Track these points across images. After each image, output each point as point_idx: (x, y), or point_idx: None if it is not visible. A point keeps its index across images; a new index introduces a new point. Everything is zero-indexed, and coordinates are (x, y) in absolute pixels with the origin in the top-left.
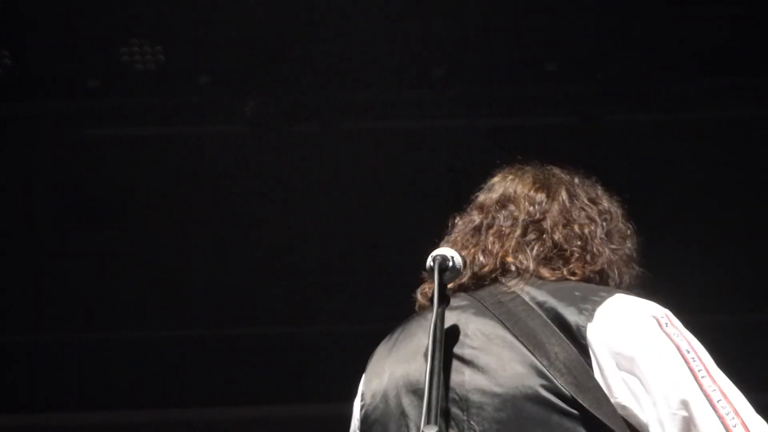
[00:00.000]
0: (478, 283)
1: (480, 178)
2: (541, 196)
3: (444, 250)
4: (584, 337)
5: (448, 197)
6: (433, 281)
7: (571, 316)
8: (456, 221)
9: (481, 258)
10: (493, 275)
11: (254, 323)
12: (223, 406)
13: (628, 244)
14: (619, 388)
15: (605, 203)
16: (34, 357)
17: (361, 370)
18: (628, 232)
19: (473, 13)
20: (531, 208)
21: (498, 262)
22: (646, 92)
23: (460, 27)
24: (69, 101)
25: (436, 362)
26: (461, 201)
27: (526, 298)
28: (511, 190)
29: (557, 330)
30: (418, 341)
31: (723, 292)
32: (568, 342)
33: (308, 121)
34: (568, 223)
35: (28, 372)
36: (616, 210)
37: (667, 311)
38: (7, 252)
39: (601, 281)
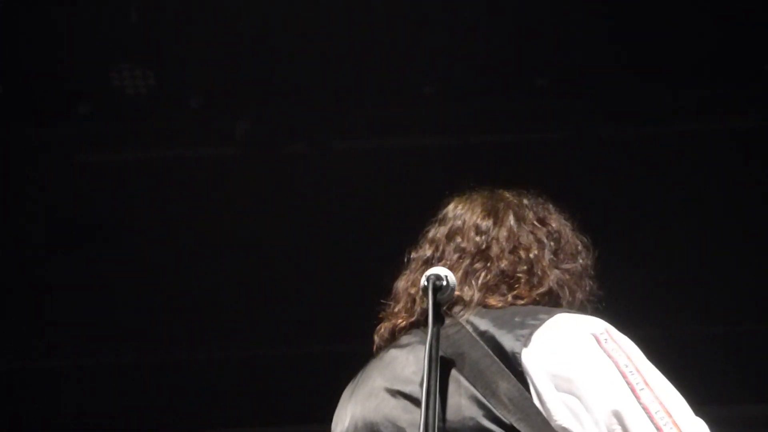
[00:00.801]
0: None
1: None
2: (487, 224)
3: (438, 270)
4: (520, 364)
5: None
6: (426, 302)
7: (507, 342)
8: (411, 256)
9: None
10: (443, 308)
11: (251, 346)
12: (225, 428)
13: (580, 260)
14: (559, 411)
15: (554, 223)
16: (19, 383)
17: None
18: (579, 248)
19: (462, 29)
20: (478, 238)
21: None
22: (638, 105)
23: (450, 44)
24: (60, 127)
25: (432, 382)
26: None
27: (470, 329)
28: (459, 222)
29: (497, 359)
30: (373, 382)
31: (715, 301)
32: (507, 370)
33: (299, 141)
34: (514, 249)
35: (16, 398)
36: (565, 228)
37: (608, 327)
38: None
39: (551, 302)
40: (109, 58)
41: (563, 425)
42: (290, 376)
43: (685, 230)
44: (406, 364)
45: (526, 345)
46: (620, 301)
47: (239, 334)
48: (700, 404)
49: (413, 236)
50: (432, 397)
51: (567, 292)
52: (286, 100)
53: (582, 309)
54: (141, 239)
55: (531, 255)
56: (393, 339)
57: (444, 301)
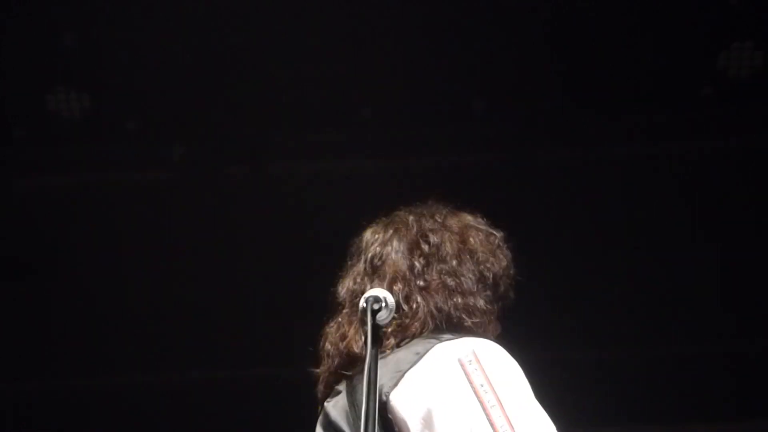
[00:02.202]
0: (350, 366)
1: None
2: (382, 253)
3: (377, 291)
4: (388, 403)
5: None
6: (365, 324)
7: (384, 384)
8: (338, 290)
9: (336, 356)
10: (349, 365)
11: (193, 368)
12: None
13: (467, 265)
14: None
15: (434, 238)
16: None
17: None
18: (470, 248)
19: (400, 53)
20: (365, 280)
21: (344, 355)
22: (574, 128)
23: (388, 68)
24: None
25: (371, 404)
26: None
27: (361, 385)
28: (360, 263)
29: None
30: None
31: (655, 325)
32: (380, 414)
33: (237, 164)
34: (390, 284)
35: None
36: (450, 237)
37: (478, 347)
38: None
39: (448, 323)
40: (45, 82)
41: None
42: (227, 398)
43: (620, 252)
44: (332, 420)
45: (395, 386)
46: (551, 324)
47: (180, 356)
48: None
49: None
50: (371, 419)
51: (451, 310)
52: (222, 123)
53: (484, 313)
54: (78, 263)
55: (402, 286)
56: (328, 393)
57: (383, 322)
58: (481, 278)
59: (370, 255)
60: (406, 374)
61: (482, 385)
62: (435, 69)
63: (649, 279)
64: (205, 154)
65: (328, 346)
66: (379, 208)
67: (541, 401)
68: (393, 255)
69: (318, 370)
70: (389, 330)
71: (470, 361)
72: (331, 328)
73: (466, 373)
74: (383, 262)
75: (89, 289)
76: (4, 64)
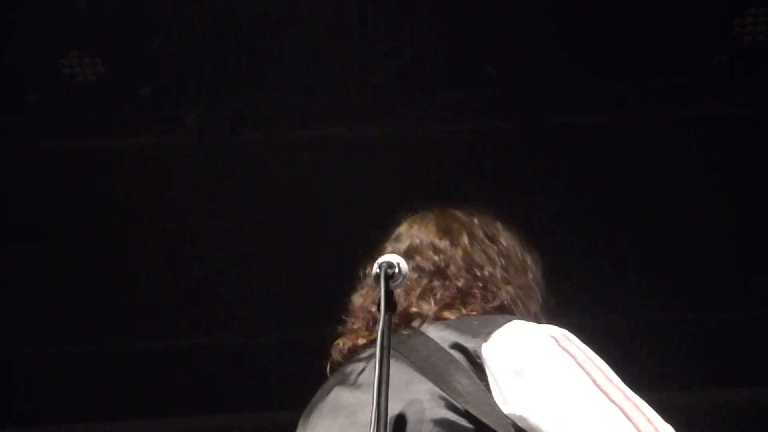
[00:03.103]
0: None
1: (422, 184)
2: (444, 244)
3: (390, 257)
4: (480, 356)
5: (393, 204)
6: (378, 289)
7: (467, 342)
8: (367, 272)
9: (411, 304)
10: (401, 326)
11: (203, 334)
12: (160, 417)
13: (530, 274)
14: (517, 400)
15: (503, 241)
16: None
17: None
18: (528, 263)
19: (411, 17)
20: (436, 258)
21: (403, 315)
22: (587, 94)
23: (400, 33)
24: (7, 115)
25: (384, 369)
26: (406, 207)
27: (428, 334)
28: (417, 240)
29: (455, 356)
30: (337, 396)
31: (664, 290)
32: (465, 366)
33: (251, 130)
34: (469, 268)
35: None
36: (514, 245)
37: (565, 331)
38: None
39: (506, 314)
40: (58, 46)
41: (520, 413)
42: (251, 363)
43: (634, 218)
44: (368, 371)
45: (485, 341)
46: (565, 290)
47: (190, 323)
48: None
49: (366, 224)
50: (384, 384)
51: (521, 306)
52: (237, 88)
53: (537, 320)
54: (91, 228)
55: (485, 273)
56: (351, 354)
57: (396, 288)
58: (535, 284)
59: (430, 241)
60: (494, 333)
61: (585, 362)
62: (447, 35)
63: (662, 244)
64: (219, 120)
65: (373, 308)
66: (392, 172)
67: None
68: (464, 245)
69: (348, 332)
70: (457, 303)
71: (563, 340)
72: (369, 296)
73: (563, 348)
74: (450, 249)
75: (101, 254)
76: (17, 28)
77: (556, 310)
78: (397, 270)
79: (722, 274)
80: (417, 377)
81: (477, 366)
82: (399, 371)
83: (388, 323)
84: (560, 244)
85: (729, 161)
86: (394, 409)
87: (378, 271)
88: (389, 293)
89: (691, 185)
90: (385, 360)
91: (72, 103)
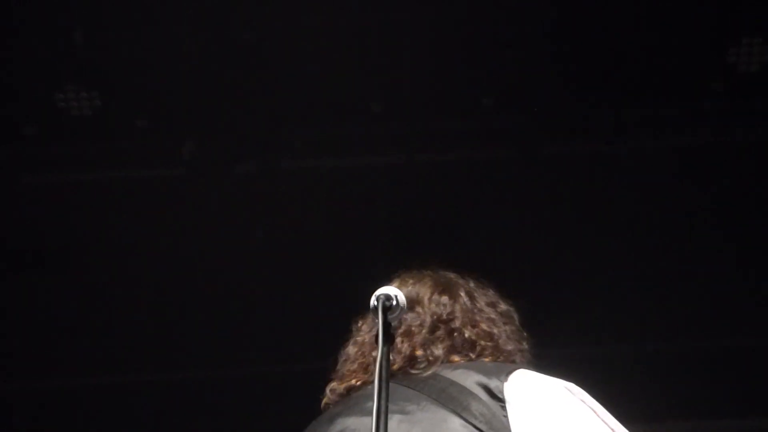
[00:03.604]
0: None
1: (420, 215)
2: (444, 299)
3: (388, 289)
4: (501, 392)
5: (388, 233)
6: (376, 321)
7: (491, 381)
8: (360, 325)
9: (390, 356)
10: (403, 370)
11: (200, 367)
12: None
13: (524, 343)
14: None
15: (503, 305)
16: None
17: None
18: (521, 330)
19: (409, 49)
20: (437, 309)
21: (407, 357)
22: (583, 123)
23: (396, 62)
24: (4, 148)
25: (383, 402)
26: (401, 237)
27: (442, 374)
28: (414, 293)
29: (473, 390)
30: (344, 422)
31: (670, 319)
32: (485, 398)
33: (247, 161)
34: (475, 324)
35: None
36: (512, 311)
37: (573, 384)
38: None
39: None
40: (55, 80)
41: None
42: (238, 396)
43: (628, 246)
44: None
45: (506, 380)
46: (558, 318)
47: (188, 354)
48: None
49: (362, 253)
50: (382, 417)
51: (525, 363)
52: (232, 120)
53: (527, 359)
54: (88, 261)
55: (494, 330)
56: (347, 394)
57: (394, 320)
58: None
59: (430, 294)
60: (513, 375)
61: (604, 413)
62: (444, 65)
63: (656, 273)
64: (214, 152)
65: (369, 359)
66: (389, 203)
67: None
68: (464, 303)
69: (341, 377)
70: (467, 351)
71: (578, 393)
72: (368, 343)
73: (581, 399)
74: (450, 304)
75: (98, 286)
76: (15, 61)
77: (552, 338)
78: (394, 302)
79: (721, 304)
80: (433, 407)
81: (498, 400)
82: (421, 403)
83: (387, 356)
84: (551, 272)
85: (725, 188)
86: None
87: (375, 303)
88: (387, 325)
89: (687, 213)
90: (383, 392)
91: (68, 135)
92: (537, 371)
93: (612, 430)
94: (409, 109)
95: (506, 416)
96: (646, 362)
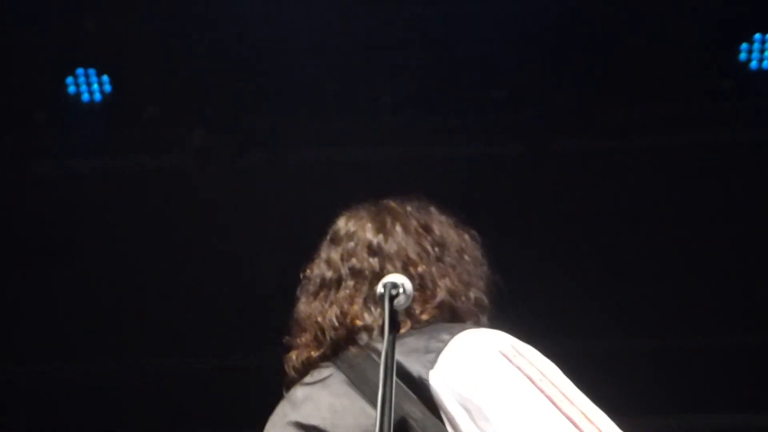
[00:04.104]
0: (337, 350)
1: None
2: (378, 240)
3: (394, 277)
4: (428, 388)
5: None
6: (383, 310)
7: (414, 368)
8: (307, 274)
9: (336, 323)
10: (349, 338)
11: (205, 356)
12: None
13: (466, 257)
14: (471, 430)
15: (436, 228)
16: None
17: None
18: (464, 245)
19: (419, 41)
20: (372, 260)
21: (350, 326)
22: (593, 119)
23: (406, 56)
24: (14, 135)
25: (388, 389)
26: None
27: (375, 357)
28: (351, 242)
29: (403, 386)
30: (286, 419)
31: (676, 315)
32: (413, 394)
33: (255, 151)
34: (405, 266)
35: None
36: (448, 229)
37: (514, 341)
38: None
39: (448, 312)
40: (65, 66)
41: None
42: (251, 385)
43: (638, 242)
44: (319, 400)
45: (432, 367)
46: (562, 313)
47: (195, 342)
48: (622, 416)
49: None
50: (387, 404)
51: (461, 298)
52: (242, 110)
53: (480, 308)
54: (95, 246)
55: (420, 269)
56: (305, 372)
57: (400, 308)
58: (473, 265)
59: (366, 240)
60: (441, 356)
61: (541, 380)
62: (454, 58)
63: (665, 268)
64: (224, 141)
65: (319, 319)
66: (395, 196)
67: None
68: (399, 239)
69: (298, 346)
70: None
71: (515, 355)
72: (318, 303)
73: (517, 366)
74: (385, 246)
75: (106, 273)
76: (26, 48)
77: (558, 330)
78: (401, 290)
79: (725, 298)
80: (365, 409)
81: (425, 394)
82: (345, 406)
83: (392, 344)
84: (561, 267)
85: (735, 186)
86: None
87: (382, 291)
88: (393, 313)
89: (695, 210)
90: (389, 381)
91: (78, 122)
92: (483, 293)
93: (552, 402)
94: (419, 103)
95: (438, 415)
96: (662, 358)
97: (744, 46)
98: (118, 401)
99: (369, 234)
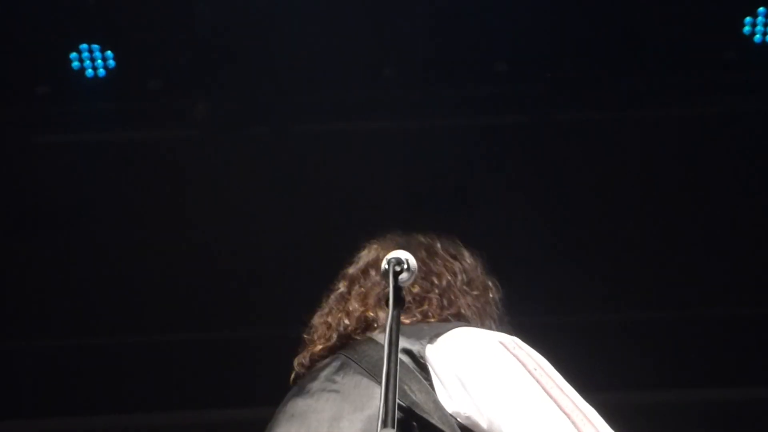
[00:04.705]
0: (344, 342)
1: (429, 179)
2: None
3: (399, 253)
4: (423, 357)
5: (400, 198)
6: (387, 285)
7: (414, 345)
8: (329, 294)
9: (345, 320)
10: (357, 331)
11: (208, 328)
12: (166, 411)
13: (490, 295)
14: (463, 400)
15: (467, 259)
16: None
17: None
18: (488, 284)
19: (423, 13)
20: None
21: (360, 319)
22: (596, 91)
23: (410, 27)
24: (18, 108)
25: (392, 365)
26: (413, 202)
27: (379, 340)
28: (373, 256)
29: (402, 359)
30: (293, 406)
31: (677, 287)
32: (412, 367)
33: (259, 123)
34: (426, 276)
35: None
36: (476, 266)
37: (516, 338)
38: None
39: (461, 322)
40: (68, 40)
41: (465, 413)
42: (255, 357)
43: (641, 213)
44: (323, 380)
45: (431, 343)
46: (572, 284)
47: (199, 316)
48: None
49: (373, 218)
50: (392, 379)
51: (477, 318)
52: (246, 81)
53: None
54: (99, 220)
55: (443, 282)
56: (311, 365)
57: (404, 284)
58: (494, 305)
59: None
60: (441, 337)
61: (536, 369)
62: (457, 30)
63: (670, 239)
64: (227, 114)
65: (329, 319)
66: (399, 167)
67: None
68: (423, 257)
69: (307, 345)
70: (413, 308)
71: (514, 347)
72: (330, 309)
73: (513, 355)
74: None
75: (109, 246)
76: (29, 21)
77: (567, 302)
78: (405, 266)
79: (723, 271)
80: (365, 382)
81: (421, 366)
82: (350, 379)
83: (397, 319)
84: (565, 238)
85: (737, 158)
86: (346, 403)
87: (387, 267)
88: (398, 289)
89: (697, 182)
90: (393, 356)
91: (82, 96)
92: (490, 324)
93: (543, 388)
94: (421, 74)
95: (431, 384)
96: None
97: (748, 19)
98: (125, 371)
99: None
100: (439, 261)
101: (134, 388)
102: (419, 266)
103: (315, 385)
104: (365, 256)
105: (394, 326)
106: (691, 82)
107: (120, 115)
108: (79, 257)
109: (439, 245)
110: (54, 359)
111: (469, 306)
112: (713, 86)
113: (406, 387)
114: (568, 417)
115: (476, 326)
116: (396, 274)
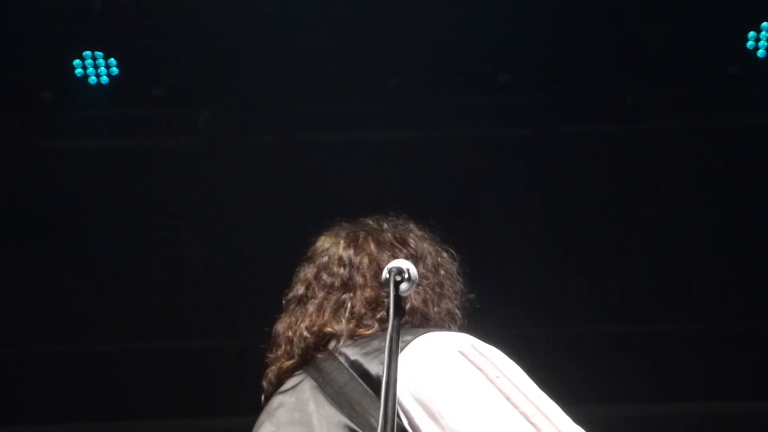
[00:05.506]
0: (307, 358)
1: (432, 190)
2: (349, 254)
3: (400, 263)
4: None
5: (403, 209)
6: (388, 294)
7: (374, 368)
8: (288, 298)
9: (306, 333)
10: (318, 346)
11: (208, 336)
12: (154, 419)
13: (442, 272)
14: (427, 428)
15: (412, 241)
16: None
17: None
18: (440, 260)
19: (428, 24)
20: (342, 270)
21: (319, 335)
22: (600, 103)
23: (414, 38)
24: (22, 114)
25: (392, 373)
26: (416, 212)
27: (341, 359)
28: (325, 257)
29: (364, 384)
30: (263, 429)
31: (681, 301)
32: (374, 394)
33: (262, 132)
34: (376, 275)
35: None
36: (425, 245)
37: (474, 341)
38: None
39: (419, 319)
40: (73, 47)
41: None
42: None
43: (644, 226)
44: (290, 408)
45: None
46: (562, 296)
47: (196, 323)
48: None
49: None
50: (392, 388)
51: (431, 307)
52: (249, 91)
53: (451, 319)
54: (102, 226)
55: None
56: (279, 384)
57: (404, 294)
58: (449, 281)
59: (337, 254)
60: (400, 356)
61: (498, 377)
62: (462, 41)
63: (672, 252)
64: (230, 122)
65: (289, 333)
66: (403, 178)
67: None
68: (371, 252)
69: (272, 361)
70: (368, 315)
71: (473, 354)
72: (291, 318)
73: (474, 364)
74: (356, 259)
75: (112, 253)
76: (33, 27)
77: (560, 312)
78: (406, 275)
79: (728, 285)
80: (332, 412)
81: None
82: (317, 409)
83: (397, 329)
84: (565, 250)
85: (740, 172)
86: None
87: (387, 276)
88: (398, 298)
89: (700, 195)
90: (393, 365)
91: (85, 102)
92: (454, 305)
93: (506, 396)
94: (426, 85)
95: (395, 413)
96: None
97: (752, 34)
98: (121, 377)
99: (341, 249)
100: (387, 252)
101: (127, 395)
102: (369, 262)
103: (283, 415)
104: (317, 254)
105: (394, 336)
106: (695, 95)
107: (123, 122)
108: (80, 264)
109: (386, 230)
110: (47, 366)
111: (420, 297)
112: (717, 100)
113: (372, 419)
114: (533, 425)
115: (435, 317)
116: (396, 284)
